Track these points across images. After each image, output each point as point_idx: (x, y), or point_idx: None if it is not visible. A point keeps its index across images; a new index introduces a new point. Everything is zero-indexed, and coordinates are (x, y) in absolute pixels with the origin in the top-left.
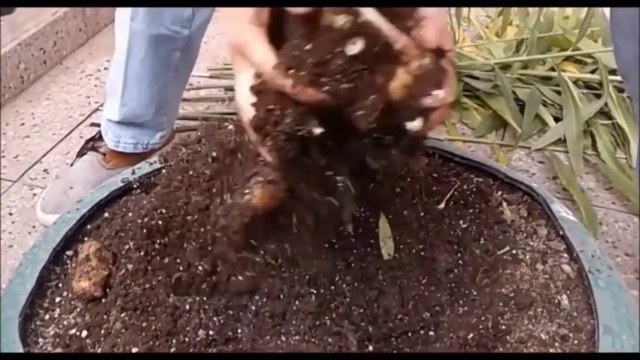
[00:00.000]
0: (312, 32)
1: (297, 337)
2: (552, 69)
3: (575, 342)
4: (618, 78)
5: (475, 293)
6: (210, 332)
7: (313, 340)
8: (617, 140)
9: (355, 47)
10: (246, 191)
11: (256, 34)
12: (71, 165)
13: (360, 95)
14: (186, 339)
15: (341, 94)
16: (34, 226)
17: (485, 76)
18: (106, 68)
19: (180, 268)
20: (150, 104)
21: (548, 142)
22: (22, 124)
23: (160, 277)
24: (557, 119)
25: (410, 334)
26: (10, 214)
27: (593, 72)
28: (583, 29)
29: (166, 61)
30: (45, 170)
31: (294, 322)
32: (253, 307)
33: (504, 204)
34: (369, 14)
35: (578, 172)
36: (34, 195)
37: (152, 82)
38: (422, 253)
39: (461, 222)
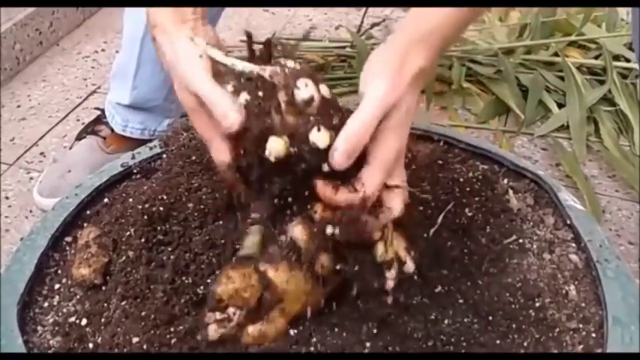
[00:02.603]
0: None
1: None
2: (556, 54)
3: (584, 333)
4: (622, 64)
5: (481, 283)
6: None
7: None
8: (620, 127)
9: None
10: None
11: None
12: (70, 148)
13: None
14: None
15: None
16: (30, 210)
17: (488, 61)
18: (103, 50)
19: (186, 257)
20: (161, 88)
21: (551, 129)
22: (18, 106)
23: (161, 265)
24: (560, 105)
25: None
26: (7, 197)
27: (596, 57)
28: (587, 14)
29: None
30: (42, 153)
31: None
32: None
33: (510, 192)
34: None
35: (581, 159)
36: (31, 179)
37: None
38: (426, 242)
39: (466, 210)
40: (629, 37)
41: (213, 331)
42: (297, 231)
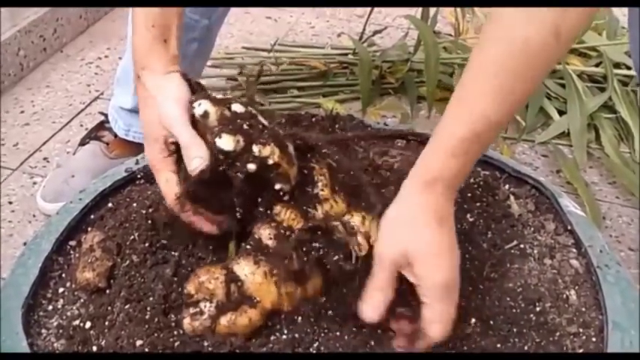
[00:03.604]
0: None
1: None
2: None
3: (584, 338)
4: (623, 72)
5: (482, 287)
6: None
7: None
8: (620, 134)
9: None
10: None
11: (164, 164)
12: (73, 154)
13: None
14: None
15: None
16: (34, 215)
17: None
18: (106, 56)
19: (190, 261)
20: None
21: (551, 136)
22: (22, 111)
23: (165, 269)
24: (561, 112)
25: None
26: (10, 202)
27: (597, 65)
28: (588, 22)
29: (183, 50)
30: (45, 159)
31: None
32: None
33: (512, 198)
34: None
35: (582, 165)
36: (34, 183)
37: None
38: None
39: (468, 215)
40: (625, 7)
41: (187, 324)
42: (263, 233)
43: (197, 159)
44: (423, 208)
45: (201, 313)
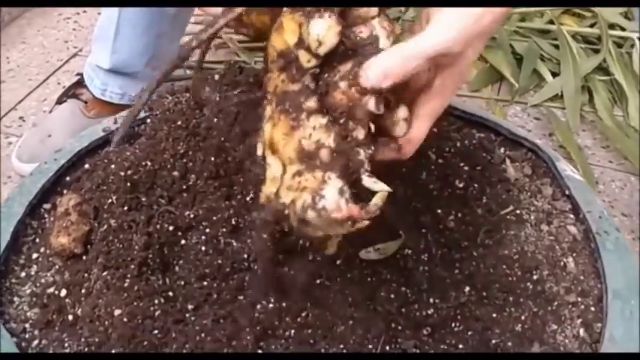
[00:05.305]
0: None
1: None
2: (551, 22)
3: (583, 307)
4: (618, 32)
5: (476, 254)
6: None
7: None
8: (614, 97)
9: None
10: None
11: None
12: (50, 112)
13: None
14: (172, 301)
15: None
16: (9, 177)
17: None
18: (84, 11)
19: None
20: (142, 54)
21: (544, 98)
22: None
23: (145, 235)
24: (554, 74)
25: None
26: None
27: (592, 26)
28: None
29: (163, 9)
30: (21, 118)
31: None
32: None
33: (507, 161)
34: None
35: (575, 129)
36: (10, 143)
37: (146, 30)
38: (420, 212)
39: (462, 179)
40: (625, 7)
41: None
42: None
43: None
44: None
45: None
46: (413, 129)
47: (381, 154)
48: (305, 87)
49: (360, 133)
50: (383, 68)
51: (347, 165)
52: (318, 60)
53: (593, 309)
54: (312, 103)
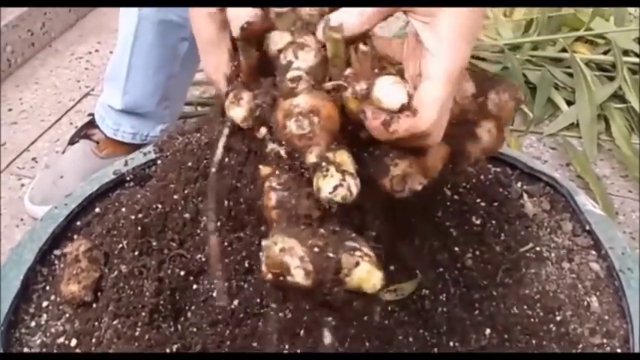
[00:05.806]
0: None
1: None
2: (564, 50)
3: (608, 349)
4: (632, 59)
5: (496, 294)
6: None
7: None
8: (631, 124)
9: None
10: None
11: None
12: (62, 153)
13: None
14: (184, 349)
15: None
16: (22, 219)
17: (494, 57)
18: (97, 50)
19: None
20: (153, 94)
21: (560, 127)
22: (10, 109)
23: (156, 281)
24: (569, 103)
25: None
26: None
27: (605, 53)
28: (595, 8)
29: (173, 50)
30: (33, 159)
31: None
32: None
33: (525, 196)
34: None
35: (593, 158)
36: (22, 185)
37: (157, 71)
38: (436, 250)
39: (479, 215)
40: (625, 6)
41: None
42: None
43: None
44: None
45: None
46: (420, 91)
47: (396, 125)
48: None
49: None
50: (356, 11)
51: None
52: None
53: (619, 351)
54: None
